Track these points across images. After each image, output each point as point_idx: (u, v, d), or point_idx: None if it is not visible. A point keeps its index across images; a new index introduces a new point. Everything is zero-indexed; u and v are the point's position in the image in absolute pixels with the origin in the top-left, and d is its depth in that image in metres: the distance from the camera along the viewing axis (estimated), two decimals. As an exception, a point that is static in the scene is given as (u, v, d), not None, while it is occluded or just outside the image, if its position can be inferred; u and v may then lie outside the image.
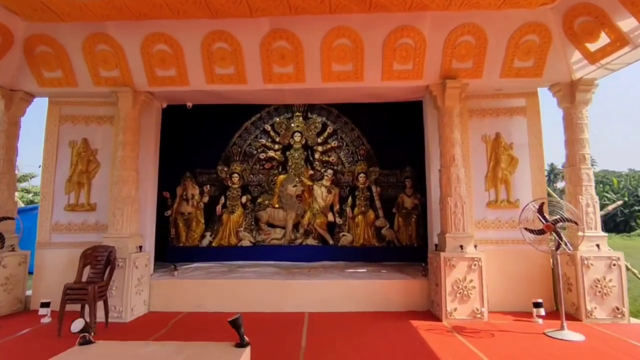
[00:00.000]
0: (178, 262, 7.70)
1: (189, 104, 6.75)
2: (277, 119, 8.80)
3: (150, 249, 6.31)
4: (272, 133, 8.81)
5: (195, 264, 7.19)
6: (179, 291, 6.08)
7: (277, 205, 8.44)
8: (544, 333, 4.72)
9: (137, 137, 6.01)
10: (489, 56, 5.60)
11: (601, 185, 29.41)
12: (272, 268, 6.88)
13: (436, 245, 5.85)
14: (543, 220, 4.63)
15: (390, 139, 8.97)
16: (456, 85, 5.74)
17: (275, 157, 8.68)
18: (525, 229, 4.85)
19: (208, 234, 8.27)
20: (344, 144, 8.98)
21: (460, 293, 5.32)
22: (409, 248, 8.11)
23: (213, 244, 8.19)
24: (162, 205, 8.33)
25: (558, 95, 5.89)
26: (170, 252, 8.04)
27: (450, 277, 5.36)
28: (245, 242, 8.21)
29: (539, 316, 5.22)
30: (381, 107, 8.77)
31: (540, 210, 4.69)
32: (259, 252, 8.08)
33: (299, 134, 8.64)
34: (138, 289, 5.71)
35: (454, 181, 5.63)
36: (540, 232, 4.71)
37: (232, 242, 8.22)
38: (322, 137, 8.79)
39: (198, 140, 8.96)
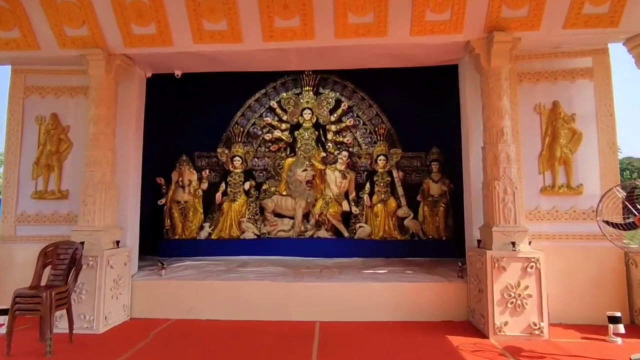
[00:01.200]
0: (174, 256, 6.71)
1: (178, 72, 5.61)
2: (285, 95, 7.62)
3: (132, 243, 5.26)
4: (278, 110, 7.65)
5: (187, 262, 6.12)
6: (166, 294, 5.03)
7: (284, 193, 7.31)
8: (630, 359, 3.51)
9: (112, 110, 4.91)
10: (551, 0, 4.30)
11: (627, 172, 27.48)
12: (277, 267, 5.77)
13: (479, 242, 4.64)
14: (635, 211, 3.39)
15: (414, 116, 7.73)
16: (506, 39, 4.45)
17: (283, 137, 7.52)
18: (606, 221, 3.60)
19: (207, 224, 7.20)
20: (361, 122, 7.77)
21: (512, 303, 4.12)
22: (436, 242, 6.91)
23: (212, 236, 7.12)
24: (156, 192, 7.31)
25: (636, 52, 4.56)
26: (165, 246, 7.01)
27: (500, 282, 4.16)
28: (249, 234, 7.11)
29: (617, 334, 4.00)
30: (404, 79, 7.54)
31: (630, 198, 3.44)
32: (264, 246, 6.98)
33: (309, 112, 7.45)
34: (115, 293, 4.67)
35: (503, 161, 4.39)
36: (630, 226, 3.47)
37: (233, 234, 7.14)
38: (335, 115, 7.59)
39: (195, 120, 7.87)
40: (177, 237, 7.14)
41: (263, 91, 7.85)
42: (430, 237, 6.98)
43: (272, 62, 5.44)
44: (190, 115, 7.96)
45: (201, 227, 7.20)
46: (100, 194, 4.66)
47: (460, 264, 5.08)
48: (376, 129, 7.51)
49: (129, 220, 5.21)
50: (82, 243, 4.47)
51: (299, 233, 7.12)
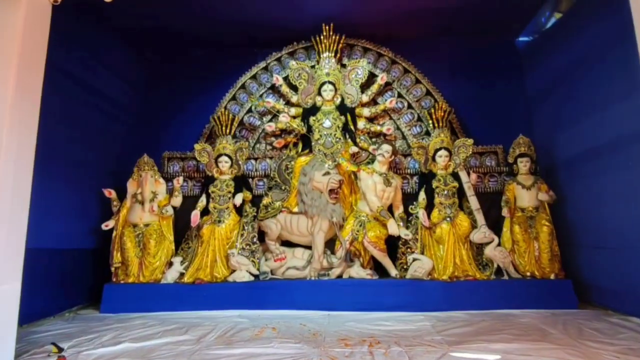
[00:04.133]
0: (122, 311, 4.07)
1: (107, -6, 3.05)
2: (294, 65, 5.01)
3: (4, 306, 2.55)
4: (285, 89, 5.05)
5: (121, 344, 3.13)
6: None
7: (295, 209, 4.63)
8: None
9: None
10: None
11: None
12: (287, 344, 2.98)
13: None
14: None
15: (482, 94, 5.24)
16: None
17: (293, 126, 4.89)
18: None
19: (177, 259, 4.48)
20: (405, 104, 5.17)
21: None
22: (539, 284, 4.16)
23: (185, 279, 4.38)
24: (106, 210, 4.68)
25: None
26: (111, 294, 4.26)
27: None
28: (241, 275, 4.36)
29: None
30: (463, 39, 5.10)
31: None
32: (265, 293, 4.23)
33: (330, 87, 4.82)
34: None
35: None
36: None
37: (218, 274, 4.41)
38: (368, 94, 4.99)
39: (164, 104, 5.35)
40: (130, 279, 4.42)
41: (262, 64, 5.30)
42: (529, 274, 4.25)
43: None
44: (154, 96, 5.48)
45: (169, 264, 4.50)
46: None
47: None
48: (430, 112, 4.86)
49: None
50: None
51: (319, 272, 4.38)
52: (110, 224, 4.50)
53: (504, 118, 5.28)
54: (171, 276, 4.40)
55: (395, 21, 5.10)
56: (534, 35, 5.51)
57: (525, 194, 4.47)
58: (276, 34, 5.24)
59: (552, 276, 4.14)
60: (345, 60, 5.16)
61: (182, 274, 4.43)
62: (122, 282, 4.41)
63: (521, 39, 5.63)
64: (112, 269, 4.50)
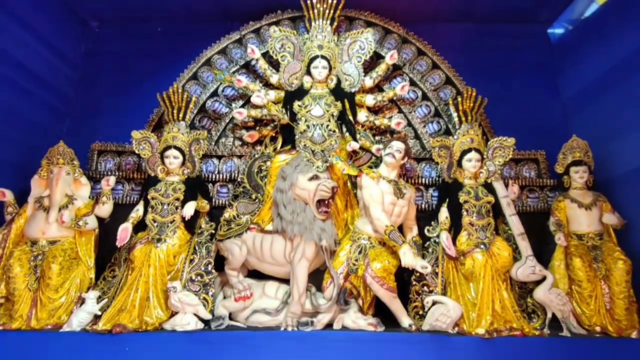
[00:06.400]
0: None
1: None
2: (276, 31, 3.70)
3: None
4: (262, 65, 3.73)
5: None
6: None
7: (269, 227, 3.24)
8: None
9: None
10: None
11: None
12: None
13: None
14: None
15: (511, 87, 4.11)
16: None
17: (271, 112, 3.52)
18: None
19: (93, 294, 2.97)
20: (420, 94, 3.93)
21: None
22: (617, 346, 2.86)
23: (99, 325, 2.86)
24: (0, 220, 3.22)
25: None
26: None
27: None
28: (186, 321, 2.90)
29: None
30: (491, 19, 3.99)
31: None
32: (219, 351, 2.76)
33: (323, 64, 3.50)
34: None
35: None
36: None
37: (150, 319, 2.92)
38: (373, 77, 3.73)
39: (104, 84, 4.05)
40: (15, 324, 2.90)
41: (236, 36, 4.00)
42: (598, 329, 2.95)
43: None
44: (98, 77, 4.13)
45: (81, 302, 3.02)
46: None
47: None
48: (456, 102, 3.60)
49: None
50: None
51: (300, 319, 2.95)
52: (-8, 239, 3.03)
53: (536, 120, 4.20)
54: (78, 320, 2.89)
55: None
56: (571, 24, 4.52)
57: (583, 215, 3.24)
58: (257, 5, 4.05)
59: (635, 334, 2.85)
60: (344, 32, 3.92)
61: (96, 318, 2.94)
62: (1, 327, 2.89)
63: (555, 29, 4.63)
64: (-8, 308, 2.99)
